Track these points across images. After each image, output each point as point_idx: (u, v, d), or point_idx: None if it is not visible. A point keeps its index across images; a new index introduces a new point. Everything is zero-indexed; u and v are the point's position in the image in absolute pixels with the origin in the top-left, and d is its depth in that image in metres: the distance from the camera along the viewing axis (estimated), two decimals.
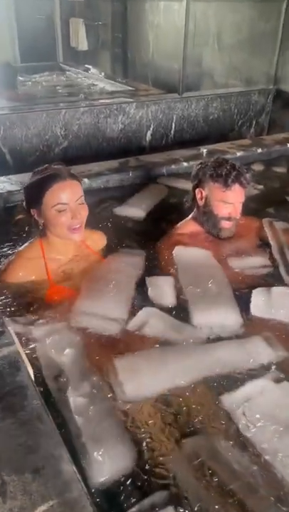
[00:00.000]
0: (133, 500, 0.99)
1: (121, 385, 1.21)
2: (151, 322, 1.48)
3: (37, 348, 1.37)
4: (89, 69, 5.57)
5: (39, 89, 4.64)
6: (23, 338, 1.40)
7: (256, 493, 1.01)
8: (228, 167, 1.83)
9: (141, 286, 1.69)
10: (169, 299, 1.61)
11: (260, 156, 2.93)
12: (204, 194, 1.89)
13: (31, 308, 1.56)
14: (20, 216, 1.77)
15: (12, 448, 0.95)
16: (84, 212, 1.63)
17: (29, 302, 1.59)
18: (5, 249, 1.90)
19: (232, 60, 4.29)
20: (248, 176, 1.85)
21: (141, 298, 1.63)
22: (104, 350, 1.38)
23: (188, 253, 1.81)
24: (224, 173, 1.81)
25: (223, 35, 4.31)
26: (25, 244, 1.75)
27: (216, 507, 0.98)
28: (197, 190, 1.92)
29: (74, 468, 0.92)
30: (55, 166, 1.67)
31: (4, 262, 1.74)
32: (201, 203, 1.91)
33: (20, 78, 4.98)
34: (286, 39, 3.74)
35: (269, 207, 2.43)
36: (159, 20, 5.21)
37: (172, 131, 3.73)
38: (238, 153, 2.85)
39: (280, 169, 3.00)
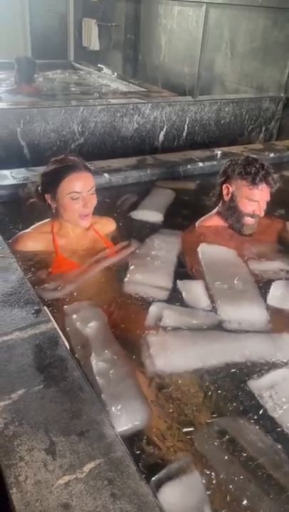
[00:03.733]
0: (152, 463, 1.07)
1: (151, 358, 1.31)
2: (166, 314, 1.57)
3: (65, 321, 1.49)
4: (102, 69, 5.66)
5: (55, 86, 4.71)
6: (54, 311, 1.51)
7: (282, 469, 1.09)
8: (257, 166, 1.90)
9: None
10: (204, 302, 1.67)
11: (271, 161, 3.02)
12: (231, 190, 1.97)
13: (38, 277, 1.71)
14: (33, 200, 1.95)
15: (58, 413, 1.02)
16: (94, 202, 1.80)
17: (36, 271, 1.74)
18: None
19: (244, 66, 4.38)
20: (275, 176, 1.92)
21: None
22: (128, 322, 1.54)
23: (213, 251, 1.90)
24: (253, 171, 1.88)
25: (236, 42, 4.41)
26: (40, 222, 1.91)
27: (241, 477, 1.06)
28: (224, 186, 1.99)
29: (116, 432, 1.00)
30: (72, 157, 1.82)
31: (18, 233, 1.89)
32: (227, 198, 1.99)
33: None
34: None
35: (278, 208, 2.52)
36: (172, 25, 5.31)
37: (184, 133, 3.81)
38: None
39: (288, 173, 3.11)
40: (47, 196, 1.81)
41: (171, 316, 1.55)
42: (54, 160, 1.84)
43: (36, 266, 1.76)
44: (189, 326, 1.53)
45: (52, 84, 4.85)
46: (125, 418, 1.16)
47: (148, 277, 1.74)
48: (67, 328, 1.46)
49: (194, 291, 1.69)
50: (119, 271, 1.83)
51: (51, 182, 1.78)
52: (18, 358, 1.16)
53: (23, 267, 1.70)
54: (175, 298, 1.69)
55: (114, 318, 1.58)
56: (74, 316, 1.50)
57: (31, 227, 1.90)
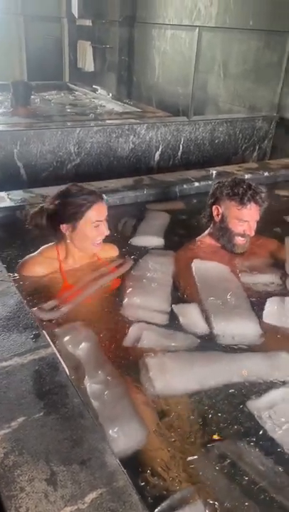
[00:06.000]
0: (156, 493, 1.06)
1: (151, 381, 1.32)
2: (144, 335, 1.56)
3: (57, 344, 1.46)
4: (97, 89, 5.74)
5: (51, 107, 4.77)
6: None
7: (283, 491, 1.08)
8: (244, 186, 1.94)
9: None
10: (201, 327, 1.65)
11: (266, 180, 3.06)
12: (221, 211, 2.00)
13: (43, 301, 1.68)
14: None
15: (59, 441, 1.01)
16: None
17: (42, 296, 1.73)
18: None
19: (237, 87, 4.47)
20: (263, 194, 1.95)
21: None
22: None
23: (206, 266, 1.91)
24: (240, 192, 1.92)
25: (228, 64, 4.50)
26: (44, 246, 1.91)
27: (246, 504, 1.04)
28: (214, 207, 2.03)
29: (117, 460, 0.98)
30: (86, 187, 1.86)
31: (24, 257, 1.88)
32: (217, 219, 2.02)
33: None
34: None
35: (273, 227, 2.54)
36: (165, 47, 5.43)
37: (179, 153, 3.86)
38: (246, 176, 2.97)
39: (283, 192, 3.13)
40: (63, 226, 1.79)
41: (149, 337, 1.55)
42: (71, 191, 1.80)
43: (43, 291, 1.75)
44: (167, 348, 1.53)
45: (48, 105, 4.91)
46: (123, 440, 1.14)
47: (146, 301, 1.74)
48: (60, 351, 1.42)
49: (190, 315, 1.69)
50: (114, 291, 1.83)
51: (74, 211, 1.76)
52: (17, 384, 1.15)
53: (30, 292, 1.71)
54: (172, 322, 1.68)
55: (108, 338, 1.57)
56: (65, 339, 1.49)
57: (37, 252, 1.89)
